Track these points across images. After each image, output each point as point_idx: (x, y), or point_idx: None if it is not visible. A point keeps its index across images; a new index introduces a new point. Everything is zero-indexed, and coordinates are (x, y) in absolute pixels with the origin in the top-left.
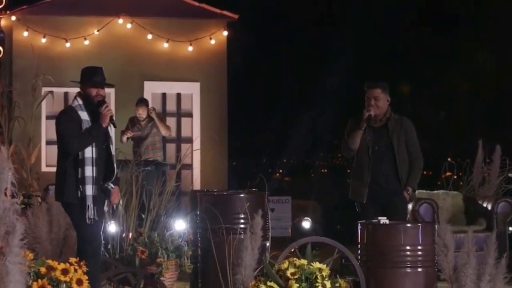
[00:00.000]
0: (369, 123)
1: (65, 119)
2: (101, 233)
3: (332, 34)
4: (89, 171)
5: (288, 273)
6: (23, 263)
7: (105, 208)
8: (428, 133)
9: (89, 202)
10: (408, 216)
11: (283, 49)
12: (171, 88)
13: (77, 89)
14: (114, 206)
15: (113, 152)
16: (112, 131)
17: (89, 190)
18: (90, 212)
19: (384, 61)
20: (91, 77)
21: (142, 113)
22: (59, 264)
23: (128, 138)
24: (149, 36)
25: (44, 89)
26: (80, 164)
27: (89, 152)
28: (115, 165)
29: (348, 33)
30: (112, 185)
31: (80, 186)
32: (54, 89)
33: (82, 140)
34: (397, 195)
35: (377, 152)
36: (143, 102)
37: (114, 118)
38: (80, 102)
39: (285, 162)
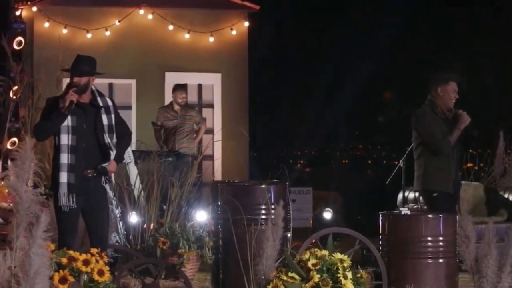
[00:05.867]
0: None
1: (45, 106)
2: (76, 223)
3: (353, 23)
4: (64, 158)
5: (310, 264)
6: (46, 254)
7: (102, 182)
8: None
9: (62, 189)
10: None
11: (304, 40)
12: (192, 79)
13: (98, 80)
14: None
15: (107, 140)
16: (106, 119)
17: (63, 177)
18: (63, 199)
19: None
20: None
21: (184, 97)
22: (80, 255)
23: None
24: (170, 27)
25: (66, 81)
26: (56, 151)
27: (65, 139)
28: (110, 152)
29: (369, 22)
30: (106, 164)
31: (56, 173)
32: None
33: (42, 126)
34: (460, 185)
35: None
36: (183, 86)
37: (73, 104)
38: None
39: (306, 153)
